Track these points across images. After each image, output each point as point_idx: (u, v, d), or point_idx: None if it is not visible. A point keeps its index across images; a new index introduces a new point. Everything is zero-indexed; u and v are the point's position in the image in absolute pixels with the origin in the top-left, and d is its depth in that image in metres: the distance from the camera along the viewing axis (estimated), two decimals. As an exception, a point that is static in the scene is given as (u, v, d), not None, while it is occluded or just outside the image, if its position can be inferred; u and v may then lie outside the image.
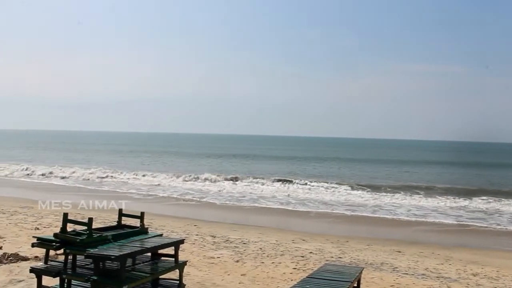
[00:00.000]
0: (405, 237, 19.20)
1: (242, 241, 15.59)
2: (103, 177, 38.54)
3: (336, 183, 37.47)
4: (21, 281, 9.68)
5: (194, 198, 29.25)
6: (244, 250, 14.10)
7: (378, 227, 21.80)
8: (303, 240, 16.73)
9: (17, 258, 11.38)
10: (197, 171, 43.75)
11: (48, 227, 15.91)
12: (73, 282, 7.45)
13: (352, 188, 35.57)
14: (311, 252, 14.36)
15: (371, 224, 22.47)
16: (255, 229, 18.93)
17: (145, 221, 9.03)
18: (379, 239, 18.38)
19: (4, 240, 13.54)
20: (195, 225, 18.96)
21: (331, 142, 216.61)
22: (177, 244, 8.34)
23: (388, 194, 32.94)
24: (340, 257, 13.85)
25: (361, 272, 9.11)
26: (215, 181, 37.28)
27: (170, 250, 8.54)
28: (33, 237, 8.12)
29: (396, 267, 12.86)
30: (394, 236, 19.46)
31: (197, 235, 16.27)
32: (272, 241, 15.87)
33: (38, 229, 15.61)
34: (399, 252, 15.54)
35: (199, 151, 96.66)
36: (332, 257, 13.84)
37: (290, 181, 38.08)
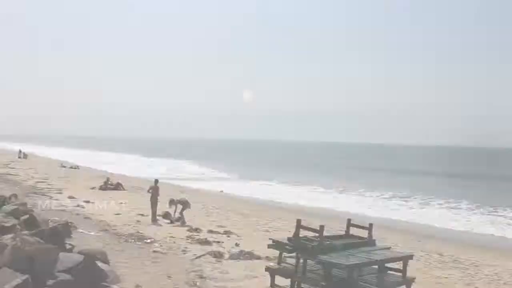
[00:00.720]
0: None
1: (473, 263, 14.33)
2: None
3: None
4: (255, 277, 10.52)
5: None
6: (476, 273, 12.93)
7: None
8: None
9: (251, 256, 12.44)
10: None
11: (277, 231, 16.98)
12: (303, 285, 7.80)
13: None
14: None
15: None
16: (488, 251, 17.25)
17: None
18: None
19: (241, 239, 14.93)
20: (419, 241, 18.16)
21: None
22: (406, 259, 8.10)
23: None
24: None
25: None
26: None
27: (395, 264, 8.36)
28: (269, 239, 8.78)
29: None
30: None
31: (422, 251, 15.53)
32: (510, 267, 14.22)
33: (268, 231, 16.80)
34: None
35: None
36: None
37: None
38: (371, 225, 8.74)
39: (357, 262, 7.36)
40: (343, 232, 9.13)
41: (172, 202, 18.07)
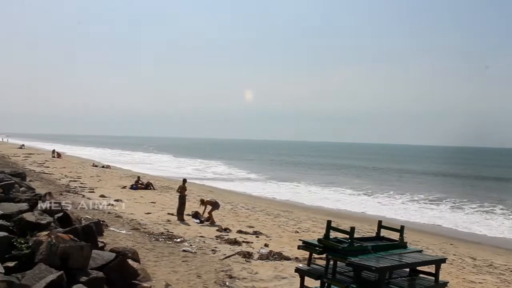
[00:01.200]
0: None
1: (509, 268, 13.96)
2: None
3: None
4: (284, 278, 10.53)
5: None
6: (513, 279, 12.60)
7: None
8: None
9: (280, 256, 12.43)
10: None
11: (307, 232, 16.95)
12: (333, 287, 7.72)
13: None
14: None
15: None
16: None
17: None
18: None
19: (270, 239, 14.93)
20: (451, 244, 17.82)
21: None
22: (438, 262, 7.93)
23: None
24: None
25: None
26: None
27: (427, 268, 8.20)
28: (299, 240, 8.73)
29: None
30: None
31: (454, 255, 15.24)
32: (547, 273, 13.80)
33: (297, 232, 16.75)
34: None
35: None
36: None
37: None
38: (402, 227, 8.58)
39: (388, 264, 7.23)
40: (374, 234, 9.01)
41: (202, 202, 18.23)
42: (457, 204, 32.17)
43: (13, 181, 16.72)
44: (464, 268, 13.38)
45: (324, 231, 8.03)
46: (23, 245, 7.86)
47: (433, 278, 7.86)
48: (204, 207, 17.97)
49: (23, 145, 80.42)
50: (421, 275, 8.12)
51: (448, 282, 8.61)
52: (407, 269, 8.05)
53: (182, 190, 18.17)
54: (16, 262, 7.42)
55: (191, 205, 19.37)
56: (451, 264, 13.52)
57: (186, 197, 18.26)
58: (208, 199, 18.84)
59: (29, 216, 9.51)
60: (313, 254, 8.41)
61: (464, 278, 12.01)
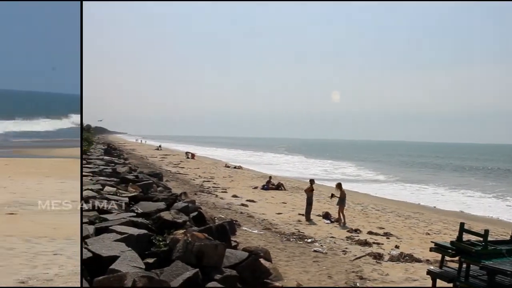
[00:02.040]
0: None
1: None
2: None
3: None
4: (415, 280, 10.35)
5: None
6: None
7: None
8: None
9: (411, 258, 12.20)
10: None
11: (438, 234, 16.34)
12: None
13: None
14: None
15: None
16: None
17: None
18: None
19: (401, 241, 14.62)
20: None
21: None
22: None
23: None
24: None
25: None
26: None
27: None
28: (431, 242, 8.49)
29: None
30: None
31: None
32: None
33: (429, 234, 16.20)
34: None
35: None
36: None
37: None
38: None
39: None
40: (508, 238, 8.46)
41: (338, 186, 18.16)
42: None
43: (151, 181, 18.18)
44: None
45: (456, 233, 7.80)
46: (161, 243, 8.46)
47: None
48: (339, 191, 17.92)
49: (160, 146, 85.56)
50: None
51: None
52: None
53: (308, 190, 18.32)
54: (155, 258, 8.00)
55: (321, 206, 19.50)
56: None
57: (314, 198, 18.34)
58: (343, 189, 18.50)
59: (166, 215, 10.15)
60: (445, 256, 8.16)
61: None
